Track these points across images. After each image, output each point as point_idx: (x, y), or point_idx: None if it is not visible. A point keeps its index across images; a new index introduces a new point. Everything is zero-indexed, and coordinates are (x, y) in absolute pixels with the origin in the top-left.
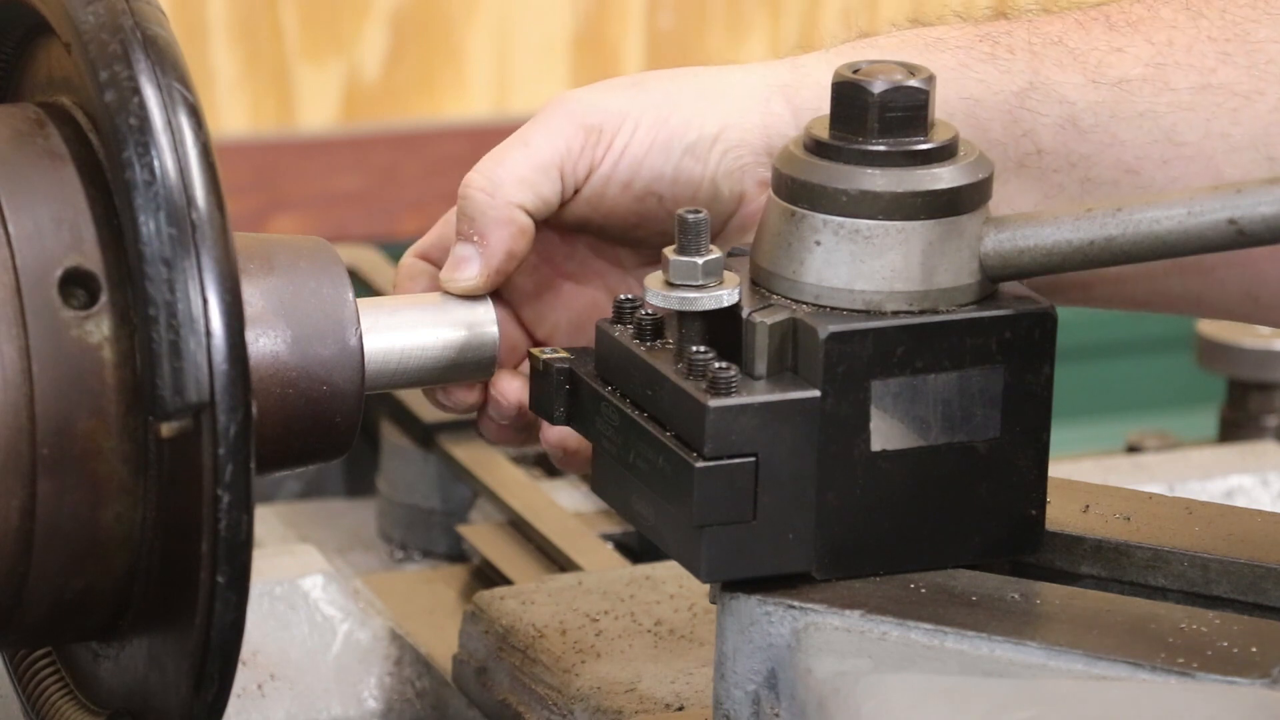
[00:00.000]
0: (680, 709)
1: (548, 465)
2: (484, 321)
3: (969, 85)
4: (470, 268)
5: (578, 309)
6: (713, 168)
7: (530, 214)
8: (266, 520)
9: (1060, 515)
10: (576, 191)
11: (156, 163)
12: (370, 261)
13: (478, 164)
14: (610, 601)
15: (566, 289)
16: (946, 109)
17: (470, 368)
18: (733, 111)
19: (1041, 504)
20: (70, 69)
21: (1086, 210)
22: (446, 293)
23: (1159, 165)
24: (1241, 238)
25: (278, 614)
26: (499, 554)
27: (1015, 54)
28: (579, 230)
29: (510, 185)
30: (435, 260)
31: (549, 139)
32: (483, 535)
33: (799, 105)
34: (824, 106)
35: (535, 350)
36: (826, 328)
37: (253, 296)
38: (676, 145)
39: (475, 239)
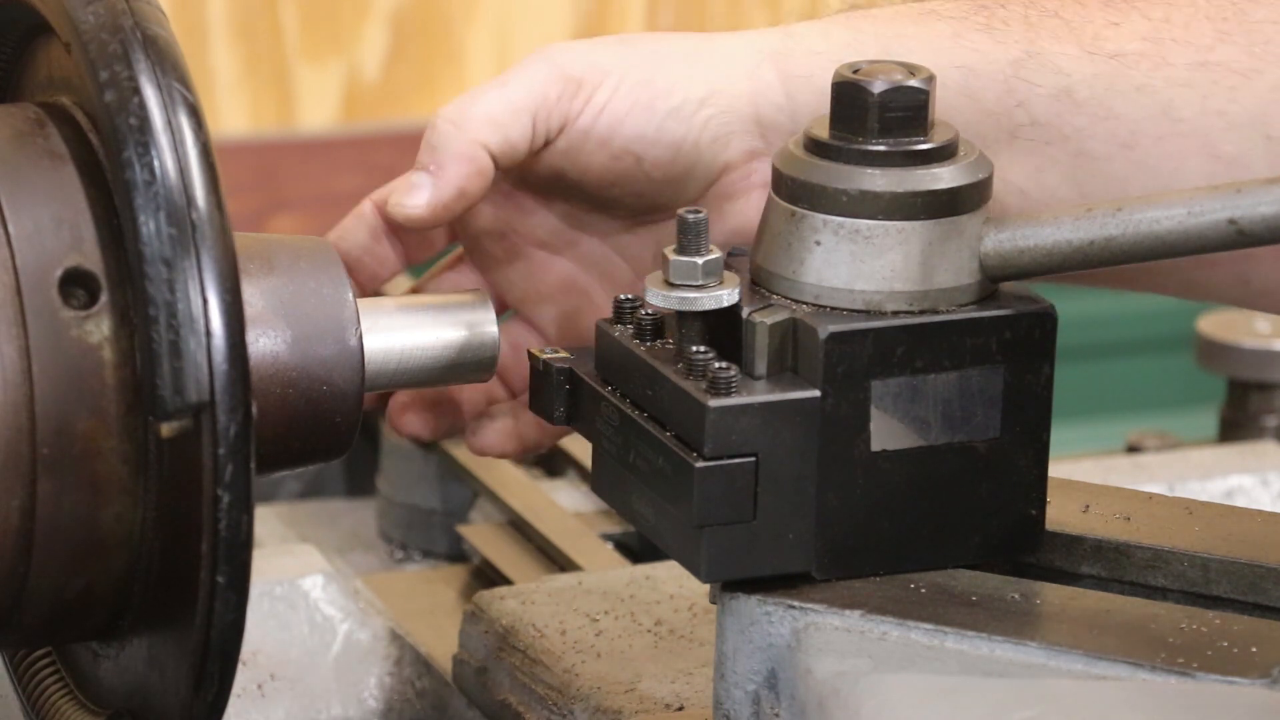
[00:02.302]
0: (680, 709)
1: (548, 465)
2: (484, 321)
3: (963, 54)
4: (420, 195)
5: (549, 280)
6: (696, 132)
7: (494, 156)
8: (266, 520)
9: (1060, 515)
10: (549, 143)
11: (156, 163)
12: None
13: (453, 100)
14: (610, 601)
15: (538, 257)
16: (940, 77)
17: (470, 367)
18: (720, 77)
19: (1041, 504)
20: (70, 69)
21: (1086, 210)
22: (393, 213)
23: (1155, 141)
24: (1241, 238)
25: (278, 614)
26: (499, 554)
27: (1010, 25)
28: (552, 189)
29: (478, 122)
30: None
31: (527, 84)
32: (483, 535)
33: (789, 72)
34: (815, 75)
35: (535, 350)
36: (826, 328)
37: (253, 296)
38: (660, 107)
39: (431, 169)
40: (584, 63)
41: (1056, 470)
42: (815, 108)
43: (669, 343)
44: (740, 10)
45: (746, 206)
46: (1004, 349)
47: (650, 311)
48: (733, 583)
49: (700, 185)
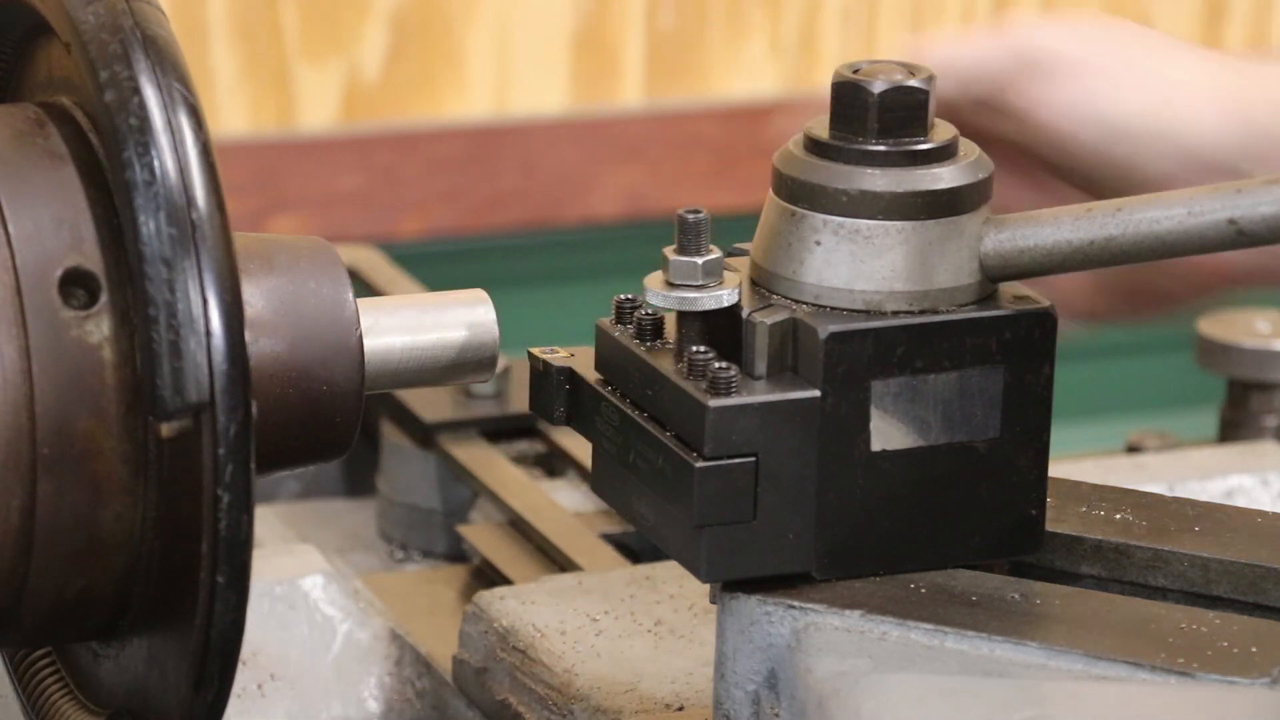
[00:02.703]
0: (680, 709)
1: (548, 465)
2: (484, 321)
3: None
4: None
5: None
6: (1134, 155)
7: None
8: (266, 520)
9: (1060, 515)
10: (983, 104)
11: (156, 163)
12: (370, 261)
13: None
14: (610, 601)
15: None
16: None
17: (470, 367)
18: (1180, 105)
19: (1041, 504)
20: (70, 69)
21: (1086, 210)
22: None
23: None
24: (1241, 238)
25: (278, 614)
26: (499, 554)
27: None
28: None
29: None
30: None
31: (983, 52)
32: (483, 535)
33: (1246, 117)
34: (1273, 127)
35: (535, 350)
36: (826, 328)
37: (253, 296)
38: (1108, 118)
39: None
40: (1050, 49)
41: (1056, 470)
42: (1266, 156)
43: (669, 343)
44: (740, 10)
45: None
46: (1004, 349)
47: (650, 311)
48: (733, 583)
49: (1119, 194)
